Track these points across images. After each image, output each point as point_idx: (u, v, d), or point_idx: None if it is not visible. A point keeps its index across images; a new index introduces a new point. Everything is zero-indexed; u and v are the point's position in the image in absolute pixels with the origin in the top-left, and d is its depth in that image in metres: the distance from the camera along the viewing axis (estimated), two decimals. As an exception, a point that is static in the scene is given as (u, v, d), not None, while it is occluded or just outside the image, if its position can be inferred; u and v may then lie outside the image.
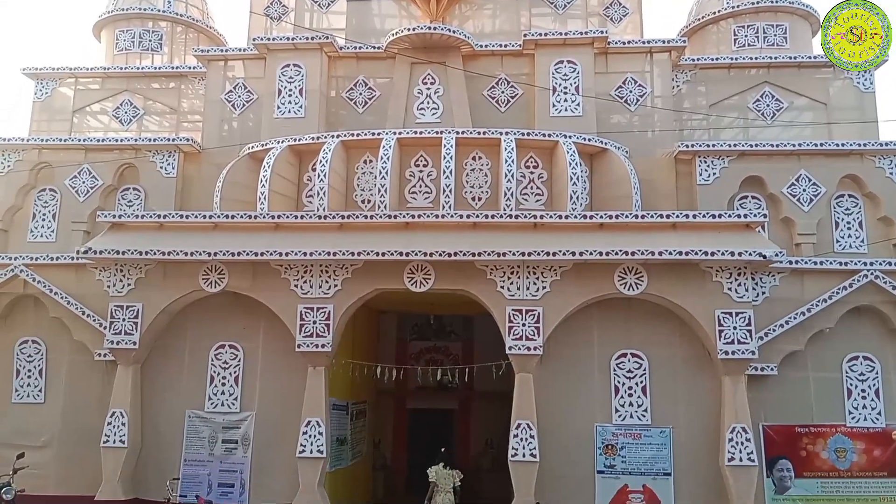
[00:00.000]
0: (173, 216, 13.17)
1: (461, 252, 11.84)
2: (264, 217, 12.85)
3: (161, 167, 15.14)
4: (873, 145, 13.88)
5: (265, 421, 12.61)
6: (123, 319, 12.60)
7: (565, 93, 14.80)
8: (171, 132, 16.38)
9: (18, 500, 11.82)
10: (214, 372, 12.83)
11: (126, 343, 12.55)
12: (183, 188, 15.27)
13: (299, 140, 14.16)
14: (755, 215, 12.53)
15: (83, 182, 15.20)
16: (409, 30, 14.93)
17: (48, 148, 15.45)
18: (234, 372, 12.79)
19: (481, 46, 15.38)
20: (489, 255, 11.82)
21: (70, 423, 13.19)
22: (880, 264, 12.91)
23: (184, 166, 15.32)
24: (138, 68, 16.96)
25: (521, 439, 11.67)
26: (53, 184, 15.33)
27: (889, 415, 12.51)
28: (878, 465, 12.27)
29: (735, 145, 14.16)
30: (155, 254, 12.37)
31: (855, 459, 12.27)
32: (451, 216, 12.54)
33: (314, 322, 12.24)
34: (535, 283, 12.10)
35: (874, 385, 12.52)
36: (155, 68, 17.01)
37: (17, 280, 13.48)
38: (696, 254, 11.59)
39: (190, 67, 16.69)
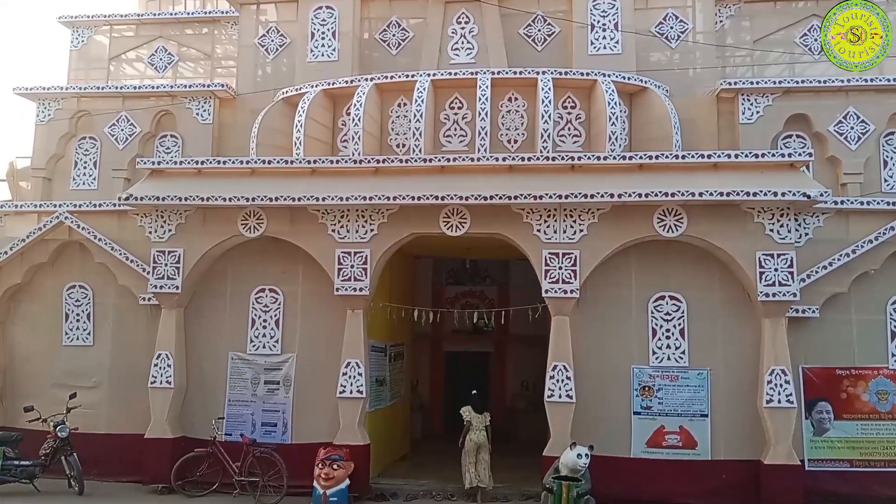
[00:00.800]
0: (211, 162, 13.26)
1: (497, 196, 11.74)
2: (300, 162, 12.87)
3: (197, 114, 15.26)
4: (927, 80, 13.31)
5: (306, 362, 12.84)
6: (165, 264, 12.85)
7: (604, 30, 14.38)
8: (205, 78, 16.38)
9: (72, 438, 12.34)
10: (255, 315, 13.06)
11: (169, 287, 12.82)
12: (219, 134, 15.38)
13: (333, 84, 14.05)
14: (799, 154, 12.11)
15: (122, 130, 15.41)
16: (442, -33, 14.59)
17: (87, 96, 15.66)
18: (275, 315, 13.01)
19: (517, -17, 14.98)
20: (525, 198, 11.70)
21: (118, 365, 13.59)
22: (930, 204, 12.48)
23: (219, 112, 15.40)
24: (171, 14, 16.91)
25: (558, 381, 11.74)
26: (93, 132, 15.60)
27: (933, 357, 12.28)
28: (921, 408, 12.11)
29: (780, 82, 13.67)
30: (194, 199, 12.51)
31: (897, 402, 12.13)
32: (487, 159, 12.39)
33: (352, 266, 12.34)
34: (572, 227, 11.98)
35: (919, 327, 12.26)
36: (188, 14, 16.97)
37: (63, 227, 13.78)
38: (738, 194, 11.33)
39: (222, 12, 16.58)
